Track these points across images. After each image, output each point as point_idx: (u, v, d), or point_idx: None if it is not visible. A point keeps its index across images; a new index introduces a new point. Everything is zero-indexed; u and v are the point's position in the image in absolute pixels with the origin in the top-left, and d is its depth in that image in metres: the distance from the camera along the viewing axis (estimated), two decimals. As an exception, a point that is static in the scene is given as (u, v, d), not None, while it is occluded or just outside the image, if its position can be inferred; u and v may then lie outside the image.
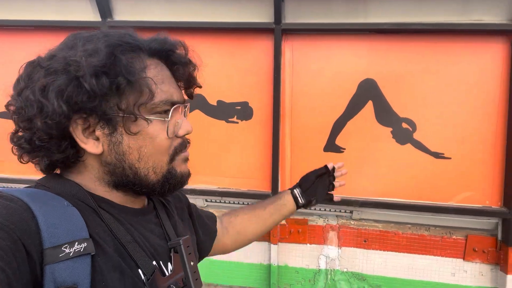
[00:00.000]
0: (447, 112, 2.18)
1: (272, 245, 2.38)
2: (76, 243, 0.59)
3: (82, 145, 0.68)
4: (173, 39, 0.78)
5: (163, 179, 0.74)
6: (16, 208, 0.58)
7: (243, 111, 2.38)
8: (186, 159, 0.79)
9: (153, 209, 0.85)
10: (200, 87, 0.86)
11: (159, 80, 0.71)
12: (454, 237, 2.26)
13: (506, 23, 2.06)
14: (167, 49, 0.75)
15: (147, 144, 0.70)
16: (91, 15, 2.40)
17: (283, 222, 2.40)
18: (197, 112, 2.41)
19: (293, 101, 2.33)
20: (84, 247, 0.60)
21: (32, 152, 0.69)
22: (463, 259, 2.25)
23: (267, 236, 2.41)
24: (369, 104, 2.26)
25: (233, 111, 2.39)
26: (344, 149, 2.30)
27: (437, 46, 2.16)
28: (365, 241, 2.34)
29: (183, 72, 0.79)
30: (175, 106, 0.74)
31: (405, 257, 2.31)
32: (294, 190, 1.31)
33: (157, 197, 0.88)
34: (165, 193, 0.76)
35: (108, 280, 0.62)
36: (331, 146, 2.31)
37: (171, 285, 0.72)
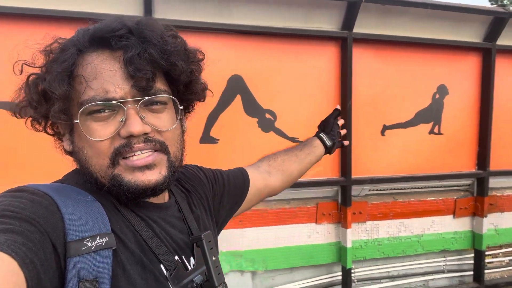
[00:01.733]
0: (299, 103, 2.61)
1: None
2: (98, 237, 0.60)
3: (63, 142, 0.74)
4: (124, 22, 0.67)
5: (111, 185, 0.67)
6: (42, 201, 0.59)
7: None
8: (139, 168, 0.67)
9: (175, 203, 0.83)
10: (151, 74, 0.66)
11: (91, 76, 0.65)
12: (308, 206, 2.74)
13: (338, 31, 2.59)
14: (103, 37, 0.65)
15: (84, 145, 0.68)
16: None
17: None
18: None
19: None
20: (106, 241, 0.60)
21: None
22: (316, 222, 2.77)
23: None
24: (238, 98, 2.49)
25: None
26: (218, 139, 2.48)
27: (289, 48, 2.54)
28: (240, 221, 2.60)
29: (128, 59, 0.64)
30: (89, 105, 0.64)
31: (272, 229, 2.68)
32: (320, 134, 1.35)
33: (177, 189, 0.87)
34: (124, 199, 0.68)
35: (130, 274, 0.63)
36: (206, 138, 2.46)
37: (194, 279, 0.72)
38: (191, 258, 0.77)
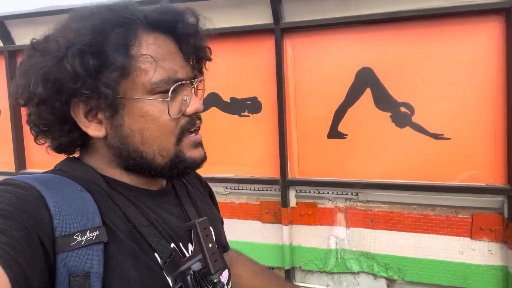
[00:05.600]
0: (445, 94, 2.23)
1: (284, 226, 2.60)
2: (88, 231, 0.58)
3: (84, 128, 0.67)
4: (177, 8, 0.70)
5: (171, 163, 0.70)
6: (28, 196, 0.57)
7: (253, 106, 2.63)
8: (196, 144, 0.73)
9: (172, 189, 0.82)
10: (210, 60, 0.77)
11: (159, 57, 0.66)
12: (460, 216, 2.29)
13: (500, 1, 2.07)
14: (168, 20, 0.68)
15: (149, 126, 0.67)
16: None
17: (294, 205, 2.61)
18: (213, 108, 2.71)
19: (297, 94, 2.53)
20: (96, 235, 0.59)
21: (41, 134, 0.69)
22: (471, 237, 2.28)
23: (279, 218, 2.63)
24: (368, 91, 2.38)
25: (244, 106, 2.65)
26: (347, 135, 2.45)
27: (430, 31, 2.22)
28: (371, 221, 2.46)
29: (190, 44, 0.70)
30: (177, 84, 0.67)
31: (411, 236, 2.39)
32: None
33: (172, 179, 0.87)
34: (174, 176, 0.74)
35: (122, 266, 0.62)
36: (334, 133, 2.47)
37: (191, 267, 0.70)
38: (189, 245, 0.75)
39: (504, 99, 2.13)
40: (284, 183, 2.55)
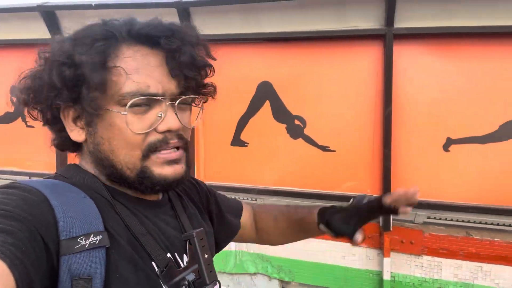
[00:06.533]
0: (332, 110, 2.43)
1: (187, 227, 2.73)
2: (92, 235, 0.60)
3: (68, 131, 0.71)
4: (170, 24, 0.71)
5: (138, 177, 0.70)
6: (34, 199, 0.59)
7: (166, 111, 2.77)
8: (169, 162, 0.71)
9: (168, 201, 0.84)
10: (195, 78, 0.73)
11: (132, 70, 0.66)
12: (343, 223, 2.48)
13: (379, 28, 2.28)
14: (151, 34, 0.68)
15: (115, 135, 0.68)
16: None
17: (199, 207, 2.75)
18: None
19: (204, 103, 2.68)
20: (100, 239, 0.60)
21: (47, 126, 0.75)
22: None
23: (185, 220, 2.77)
24: (267, 104, 2.56)
25: (158, 111, 2.79)
26: (248, 143, 2.62)
27: (321, 51, 2.42)
28: (267, 225, 2.62)
29: (175, 60, 0.69)
30: (142, 98, 0.66)
31: (302, 241, 2.55)
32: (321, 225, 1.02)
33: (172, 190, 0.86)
34: (148, 191, 0.72)
35: (122, 272, 0.63)
36: (237, 141, 2.63)
37: (186, 277, 0.70)
38: (184, 256, 0.77)
39: (381, 117, 2.33)
40: (189, 186, 2.68)
